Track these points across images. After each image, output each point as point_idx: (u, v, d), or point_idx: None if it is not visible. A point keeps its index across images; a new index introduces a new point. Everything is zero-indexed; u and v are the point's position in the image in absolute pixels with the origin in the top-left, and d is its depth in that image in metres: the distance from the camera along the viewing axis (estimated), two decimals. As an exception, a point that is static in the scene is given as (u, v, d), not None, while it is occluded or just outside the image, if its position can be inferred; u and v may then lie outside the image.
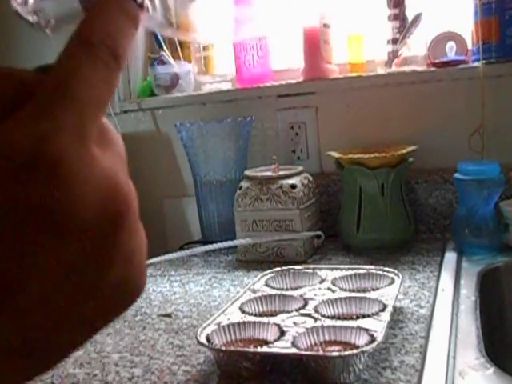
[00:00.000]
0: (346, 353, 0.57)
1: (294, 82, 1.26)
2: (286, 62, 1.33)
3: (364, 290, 0.75)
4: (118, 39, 0.23)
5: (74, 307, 0.22)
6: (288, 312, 0.69)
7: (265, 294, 0.75)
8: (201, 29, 0.37)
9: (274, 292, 0.76)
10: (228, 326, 0.65)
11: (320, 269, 0.83)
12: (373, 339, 0.59)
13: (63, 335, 0.23)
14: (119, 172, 0.23)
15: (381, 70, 1.20)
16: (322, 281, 0.79)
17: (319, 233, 1.06)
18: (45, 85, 0.22)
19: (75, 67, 0.22)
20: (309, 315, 0.67)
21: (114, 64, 0.23)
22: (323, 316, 0.67)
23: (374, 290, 0.74)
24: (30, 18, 0.31)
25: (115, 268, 0.22)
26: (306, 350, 0.60)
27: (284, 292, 0.76)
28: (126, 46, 0.24)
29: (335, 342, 0.61)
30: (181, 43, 1.36)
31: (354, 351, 0.56)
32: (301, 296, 0.73)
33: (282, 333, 0.62)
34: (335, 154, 1.07)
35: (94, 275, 0.22)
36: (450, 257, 0.96)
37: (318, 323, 0.64)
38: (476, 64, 1.09)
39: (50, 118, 0.20)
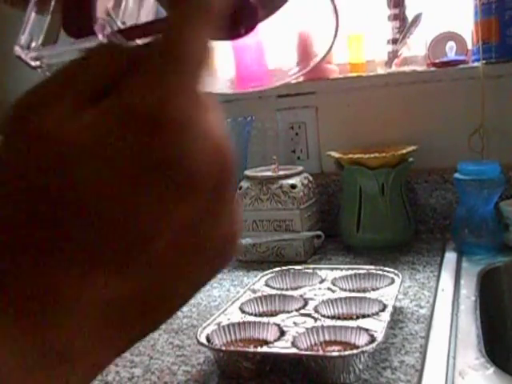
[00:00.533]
0: (346, 353, 0.57)
1: (294, 81, 1.26)
2: (286, 62, 1.33)
3: (364, 290, 0.75)
4: None
5: (192, 259, 0.23)
6: (288, 312, 0.69)
7: (265, 293, 0.75)
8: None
9: (273, 292, 0.76)
10: (228, 325, 0.65)
11: (320, 269, 0.83)
12: (373, 339, 0.59)
13: (178, 290, 0.24)
14: (225, 135, 0.24)
15: (381, 70, 1.20)
16: (321, 281, 0.79)
17: (319, 233, 1.06)
18: (152, 52, 0.22)
19: (177, 32, 0.22)
20: (309, 315, 0.67)
21: (210, 19, 0.23)
22: (323, 316, 0.67)
23: (374, 290, 0.74)
24: (33, 63, 0.32)
25: (223, 222, 0.24)
26: (306, 349, 0.60)
27: (284, 292, 0.76)
28: None
29: (335, 342, 0.61)
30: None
31: (354, 351, 0.57)
32: (301, 296, 0.73)
33: (282, 333, 0.62)
34: (335, 154, 1.07)
35: (209, 228, 0.23)
36: (450, 257, 0.96)
37: (318, 323, 0.64)
38: (476, 64, 1.09)
39: (165, 84, 0.21)
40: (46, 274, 0.20)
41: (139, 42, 0.29)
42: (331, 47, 0.38)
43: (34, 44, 0.31)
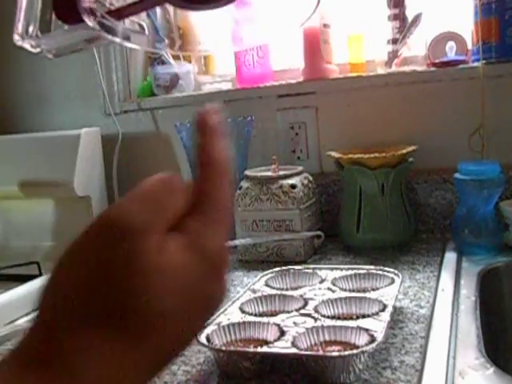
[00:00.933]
0: (346, 353, 0.57)
1: (294, 81, 1.26)
2: (286, 61, 1.33)
3: (364, 290, 0.75)
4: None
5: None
6: (288, 312, 0.69)
7: (265, 293, 0.75)
8: (204, 40, 0.38)
9: (273, 292, 0.76)
10: (228, 326, 0.65)
11: (320, 269, 0.83)
12: (373, 339, 0.59)
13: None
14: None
15: (381, 70, 1.20)
16: (322, 281, 0.79)
17: (319, 233, 1.06)
18: (208, 207, 0.32)
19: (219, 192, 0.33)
20: (309, 315, 0.67)
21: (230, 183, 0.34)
22: (323, 316, 0.67)
23: (374, 290, 0.74)
24: (33, 50, 0.32)
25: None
26: (306, 349, 0.60)
27: (284, 292, 0.76)
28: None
29: (335, 342, 0.61)
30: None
31: (354, 351, 0.56)
32: (301, 296, 0.73)
33: (282, 333, 0.62)
34: (335, 154, 1.07)
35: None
36: (450, 257, 0.96)
37: (318, 323, 0.64)
38: (476, 64, 1.09)
39: (221, 233, 0.32)
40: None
41: (127, 21, 0.30)
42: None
43: (31, 29, 0.32)
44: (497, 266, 0.90)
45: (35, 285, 1.06)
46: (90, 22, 0.30)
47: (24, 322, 0.92)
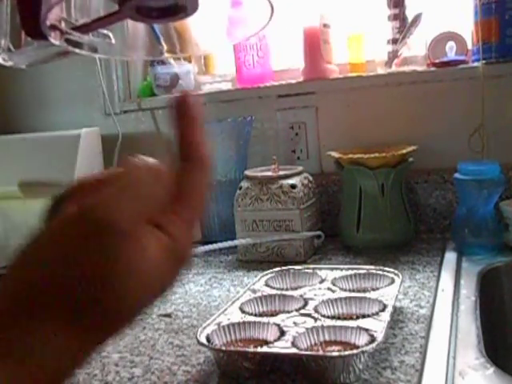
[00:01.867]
0: (346, 353, 0.57)
1: (294, 82, 1.26)
2: (286, 61, 1.33)
3: (364, 290, 0.75)
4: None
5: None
6: (288, 312, 0.69)
7: (265, 294, 0.75)
8: (200, 40, 0.39)
9: (274, 292, 0.76)
10: (228, 326, 0.65)
11: (320, 269, 0.83)
12: (373, 339, 0.59)
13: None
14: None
15: (381, 70, 1.19)
16: (322, 281, 0.79)
17: (319, 233, 1.06)
18: (187, 204, 0.33)
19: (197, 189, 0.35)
20: (309, 315, 0.67)
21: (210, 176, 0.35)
22: (323, 316, 0.66)
23: (374, 290, 0.74)
24: (5, 63, 0.33)
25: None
26: (306, 349, 0.60)
27: (284, 292, 0.76)
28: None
29: (335, 342, 0.61)
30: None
31: (354, 351, 0.56)
32: (301, 296, 0.73)
33: (282, 333, 0.62)
34: (335, 154, 1.07)
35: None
36: (450, 257, 0.96)
37: (318, 323, 0.64)
38: (476, 64, 1.09)
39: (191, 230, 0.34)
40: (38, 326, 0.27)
41: (92, 35, 0.31)
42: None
43: (2, 42, 0.32)
44: (497, 265, 0.90)
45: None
46: (55, 39, 0.31)
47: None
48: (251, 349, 0.61)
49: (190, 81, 1.36)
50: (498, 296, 0.88)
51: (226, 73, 1.37)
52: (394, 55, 1.17)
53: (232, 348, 0.62)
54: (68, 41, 0.33)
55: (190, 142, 0.34)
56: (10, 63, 0.33)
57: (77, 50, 0.35)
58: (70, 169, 1.22)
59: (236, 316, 0.68)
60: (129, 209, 0.29)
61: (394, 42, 1.16)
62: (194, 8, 0.36)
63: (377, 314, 0.65)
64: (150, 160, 0.32)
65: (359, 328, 0.61)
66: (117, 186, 0.30)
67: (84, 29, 0.32)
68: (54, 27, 0.31)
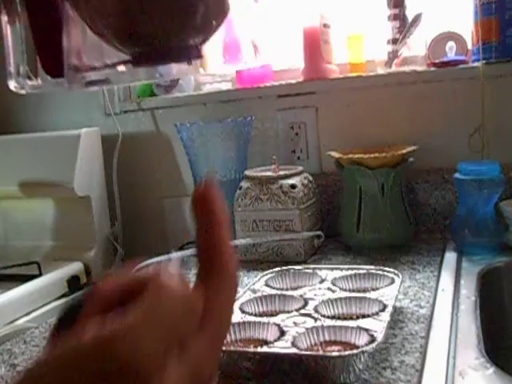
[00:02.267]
0: (346, 353, 0.57)
1: (294, 82, 1.26)
2: (286, 61, 1.33)
3: (364, 290, 0.75)
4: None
5: None
6: (288, 312, 0.69)
7: (265, 294, 0.75)
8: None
9: (274, 292, 0.76)
10: (228, 326, 0.65)
11: (320, 269, 0.83)
12: (373, 339, 0.59)
13: None
14: None
15: (381, 70, 1.20)
16: (321, 281, 0.79)
17: (319, 233, 1.06)
18: (207, 325, 0.28)
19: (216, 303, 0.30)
20: (309, 315, 0.67)
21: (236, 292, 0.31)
22: (323, 316, 0.67)
23: (374, 289, 0.74)
24: (20, 91, 0.34)
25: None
26: (306, 349, 0.60)
27: (284, 292, 0.76)
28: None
29: (335, 342, 0.61)
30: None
31: (354, 351, 0.56)
32: (301, 296, 0.73)
33: (282, 333, 0.62)
34: (335, 154, 1.07)
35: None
36: (450, 257, 0.96)
37: (318, 323, 0.64)
38: (476, 64, 1.09)
39: (217, 351, 0.30)
40: None
41: None
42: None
43: (21, 71, 0.34)
44: (497, 266, 0.90)
45: (35, 285, 1.06)
46: (74, 81, 0.33)
47: (24, 322, 0.92)
48: (251, 349, 0.61)
49: (190, 81, 1.36)
50: (498, 296, 0.88)
51: (226, 73, 1.37)
52: (394, 55, 1.17)
53: (232, 348, 0.62)
54: (86, 83, 0.35)
55: (213, 245, 0.31)
56: (22, 91, 0.34)
57: (93, 88, 0.36)
58: (70, 169, 1.22)
59: (236, 316, 0.68)
60: (155, 350, 0.25)
61: (394, 42, 1.16)
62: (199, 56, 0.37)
63: (377, 314, 0.65)
64: (177, 276, 0.28)
65: (359, 328, 0.61)
66: (144, 310, 0.25)
67: (100, 69, 0.33)
68: (73, 68, 0.33)
